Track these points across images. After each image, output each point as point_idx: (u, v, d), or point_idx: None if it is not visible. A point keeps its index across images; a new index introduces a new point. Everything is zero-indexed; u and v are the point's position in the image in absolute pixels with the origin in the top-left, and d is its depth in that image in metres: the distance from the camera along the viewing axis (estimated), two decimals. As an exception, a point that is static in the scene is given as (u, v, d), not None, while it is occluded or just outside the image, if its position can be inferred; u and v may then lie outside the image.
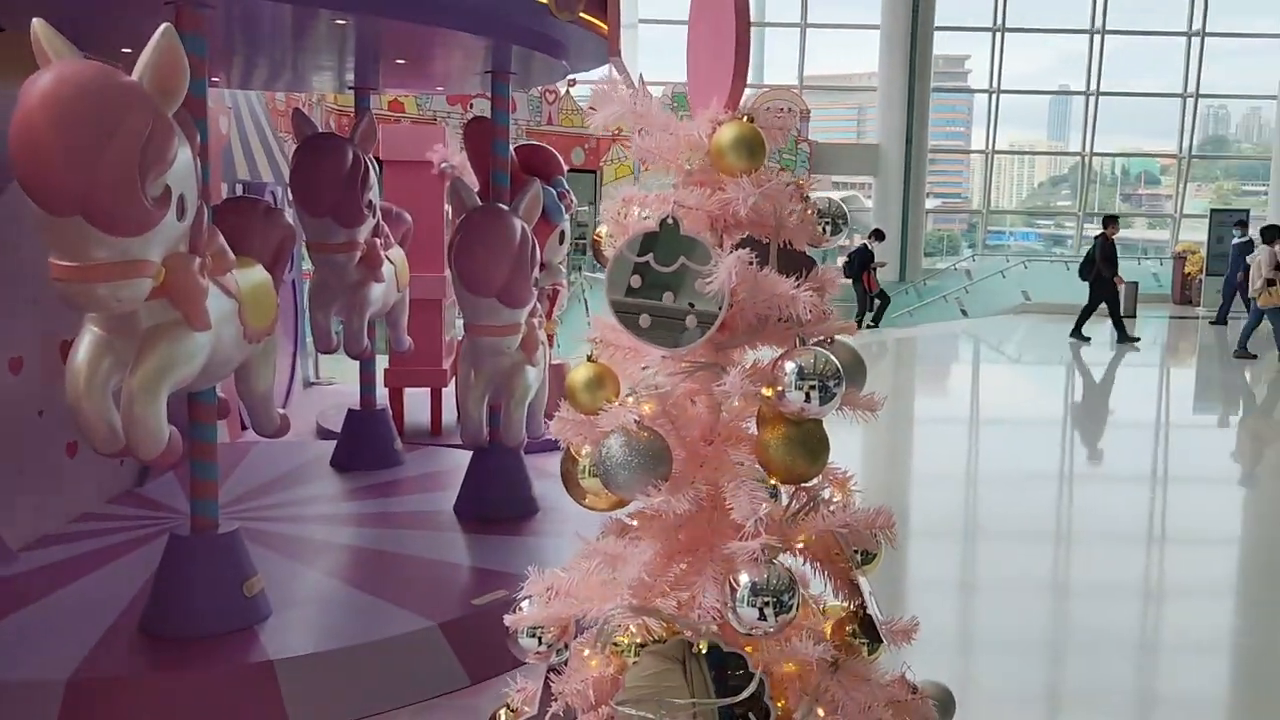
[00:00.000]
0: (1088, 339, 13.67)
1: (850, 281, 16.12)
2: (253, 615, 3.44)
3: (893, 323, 16.35)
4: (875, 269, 16.17)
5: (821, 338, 1.69)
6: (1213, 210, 18.75)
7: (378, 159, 5.38)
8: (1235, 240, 15.99)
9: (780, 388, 1.59)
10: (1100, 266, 13.69)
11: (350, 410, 5.61)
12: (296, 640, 3.36)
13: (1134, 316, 16.18)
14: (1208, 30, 21.52)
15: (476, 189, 4.86)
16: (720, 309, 1.56)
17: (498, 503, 4.64)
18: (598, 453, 1.59)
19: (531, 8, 3.72)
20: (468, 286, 4.30)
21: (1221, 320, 15.70)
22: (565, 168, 5.38)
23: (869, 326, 15.92)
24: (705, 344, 1.61)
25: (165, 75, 2.78)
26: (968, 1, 22.89)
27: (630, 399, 1.64)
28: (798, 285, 1.59)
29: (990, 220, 23.73)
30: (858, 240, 17.55)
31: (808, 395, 1.58)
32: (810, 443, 1.62)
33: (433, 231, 6.37)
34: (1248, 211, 18.64)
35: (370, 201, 4.88)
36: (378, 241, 5.03)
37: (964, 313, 17.57)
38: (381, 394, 6.38)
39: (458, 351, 4.85)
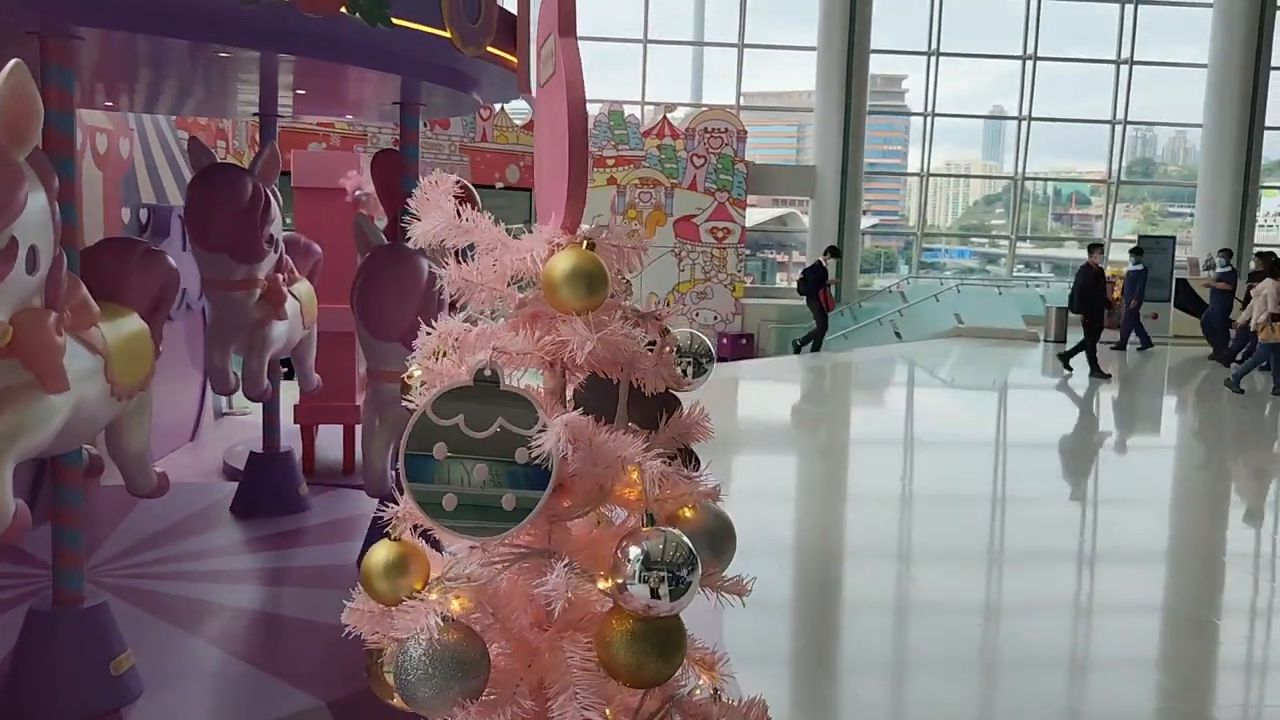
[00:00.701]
0: (1107, 375, 13.21)
1: (805, 299, 16.09)
2: (120, 696, 3.16)
3: (829, 346, 16.36)
4: (830, 286, 16.17)
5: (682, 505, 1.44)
6: (1140, 237, 19.10)
7: (285, 172, 5.12)
8: (1131, 267, 16.32)
9: (621, 579, 1.31)
10: (1084, 295, 13.28)
11: (252, 453, 5.32)
12: (169, 725, 3.10)
13: (1065, 340, 16.39)
14: (1135, 59, 21.97)
15: (383, 225, 4.64)
16: (545, 488, 1.28)
17: (403, 557, 4.39)
18: (396, 660, 1.36)
19: (437, 43, 3.50)
20: (370, 330, 4.07)
21: (1121, 346, 15.98)
22: (479, 202, 5.16)
23: (810, 350, 15.88)
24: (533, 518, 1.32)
25: (14, 117, 2.52)
26: (904, 25, 23.12)
27: (437, 592, 1.38)
28: (649, 444, 1.32)
29: (925, 239, 23.95)
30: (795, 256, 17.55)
31: (655, 590, 1.29)
32: (662, 640, 1.33)
33: (346, 261, 6.09)
34: (1173, 239, 19.01)
35: (271, 236, 4.63)
36: (280, 277, 4.77)
37: (898, 335, 17.65)
38: (293, 430, 6.11)
39: (369, 389, 4.62)
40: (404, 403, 1.44)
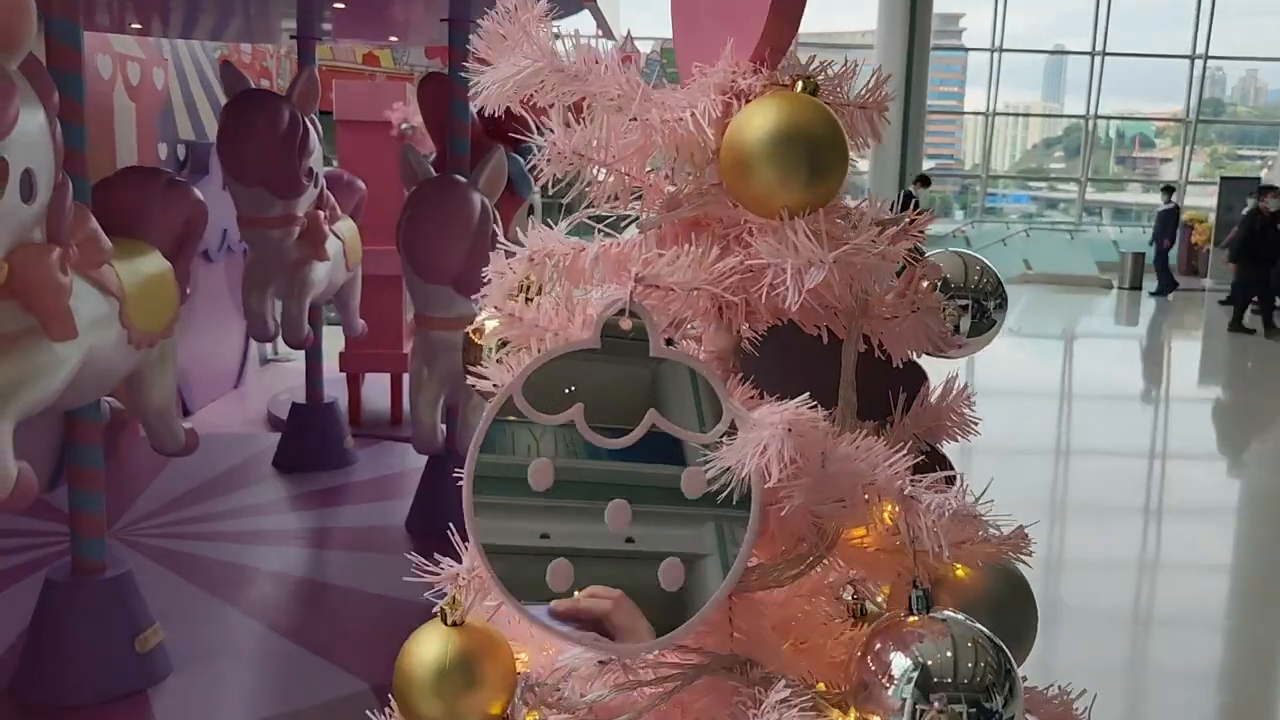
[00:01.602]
0: None
1: None
2: (147, 676, 2.86)
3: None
4: None
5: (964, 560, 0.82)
6: (1223, 178, 18.16)
7: (326, 111, 4.74)
8: (1162, 208, 15.55)
9: (880, 714, 0.75)
10: (1255, 243, 11.88)
11: (294, 404, 5.00)
12: (196, 711, 2.79)
13: (1140, 288, 15.66)
14: (1219, -11, 20.74)
15: (432, 157, 4.24)
16: (742, 543, 0.72)
17: (455, 518, 4.05)
18: None
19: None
20: (418, 272, 3.69)
21: (1164, 292, 15.09)
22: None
23: None
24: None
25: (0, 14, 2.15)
26: (969, -44, 22.03)
27: None
28: (895, 446, 0.74)
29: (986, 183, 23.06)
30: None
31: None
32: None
33: (392, 199, 5.71)
34: (1257, 180, 18.04)
35: (311, 169, 4.25)
36: (321, 214, 4.40)
37: (963, 281, 16.96)
38: (338, 379, 5.79)
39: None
40: (471, 376, 0.97)
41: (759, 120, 0.77)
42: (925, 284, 0.90)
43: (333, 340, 5.51)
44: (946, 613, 0.80)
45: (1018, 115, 27.03)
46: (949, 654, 0.76)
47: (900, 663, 0.77)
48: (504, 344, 0.89)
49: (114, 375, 2.76)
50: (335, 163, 5.84)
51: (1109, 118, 23.02)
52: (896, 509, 0.72)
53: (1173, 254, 18.35)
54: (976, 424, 0.86)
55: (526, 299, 0.88)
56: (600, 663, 0.82)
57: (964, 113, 25.09)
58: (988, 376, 10.24)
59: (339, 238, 4.59)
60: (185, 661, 2.97)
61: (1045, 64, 26.83)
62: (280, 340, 4.42)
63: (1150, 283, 15.55)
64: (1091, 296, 15.30)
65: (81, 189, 2.58)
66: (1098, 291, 15.85)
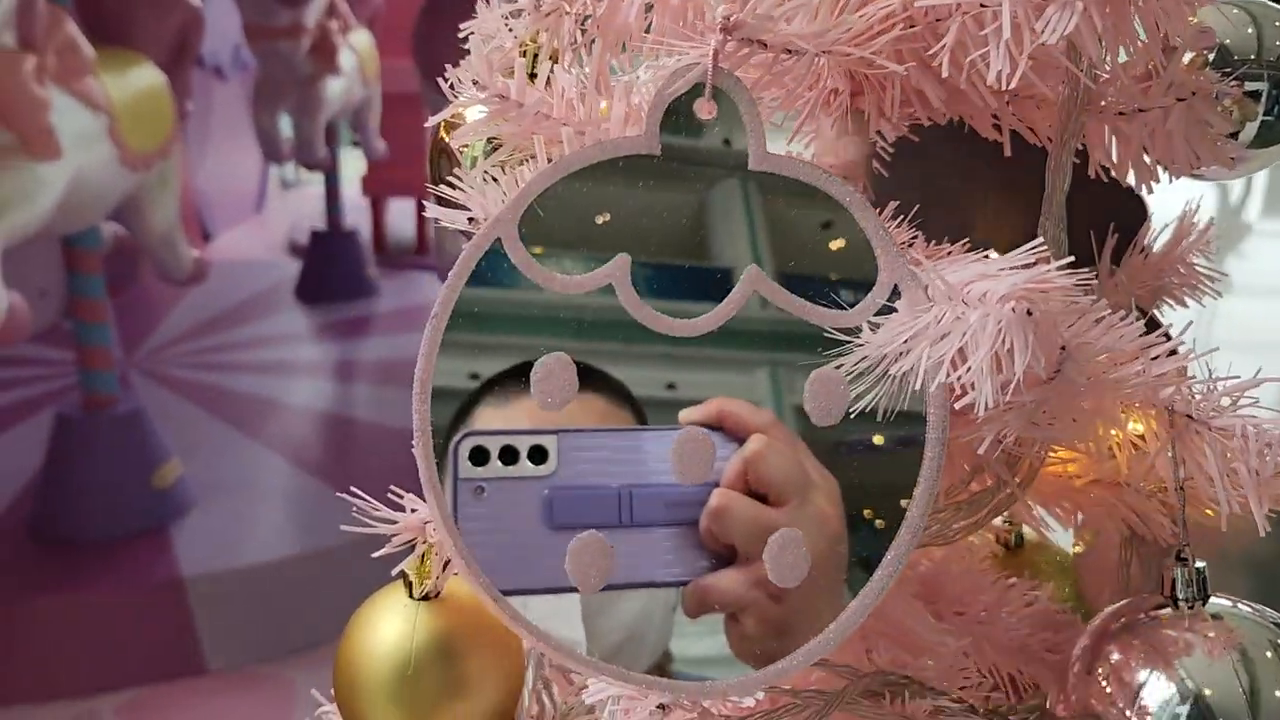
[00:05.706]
0: None
1: None
2: (166, 512, 2.78)
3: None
4: None
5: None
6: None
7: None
8: None
9: None
10: None
11: (315, 232, 4.80)
12: (218, 546, 2.71)
13: None
14: None
15: (450, -42, 3.87)
16: (913, 508, 0.43)
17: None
18: None
19: None
20: (435, 86, 3.40)
21: None
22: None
23: None
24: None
25: None
26: None
27: None
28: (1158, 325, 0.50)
29: None
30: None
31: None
32: None
33: (413, 9, 5.34)
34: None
35: (319, -27, 3.90)
36: (333, 25, 4.08)
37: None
38: (363, 205, 5.57)
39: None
40: (438, 203, 0.70)
41: None
42: (1190, 56, 0.51)
43: (356, 165, 5.26)
44: (1225, 602, 0.48)
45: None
46: (1239, 684, 0.43)
47: (1158, 692, 0.45)
48: (495, 147, 0.61)
49: (108, 199, 2.56)
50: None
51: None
52: (1156, 431, 0.44)
53: None
54: (1216, 281, 0.59)
55: (530, 74, 0.60)
56: (659, 707, 0.49)
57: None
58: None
59: (353, 50, 4.28)
60: (207, 497, 2.88)
61: None
62: (298, 171, 4.18)
63: None
64: None
65: (57, -11, 2.32)
66: None
